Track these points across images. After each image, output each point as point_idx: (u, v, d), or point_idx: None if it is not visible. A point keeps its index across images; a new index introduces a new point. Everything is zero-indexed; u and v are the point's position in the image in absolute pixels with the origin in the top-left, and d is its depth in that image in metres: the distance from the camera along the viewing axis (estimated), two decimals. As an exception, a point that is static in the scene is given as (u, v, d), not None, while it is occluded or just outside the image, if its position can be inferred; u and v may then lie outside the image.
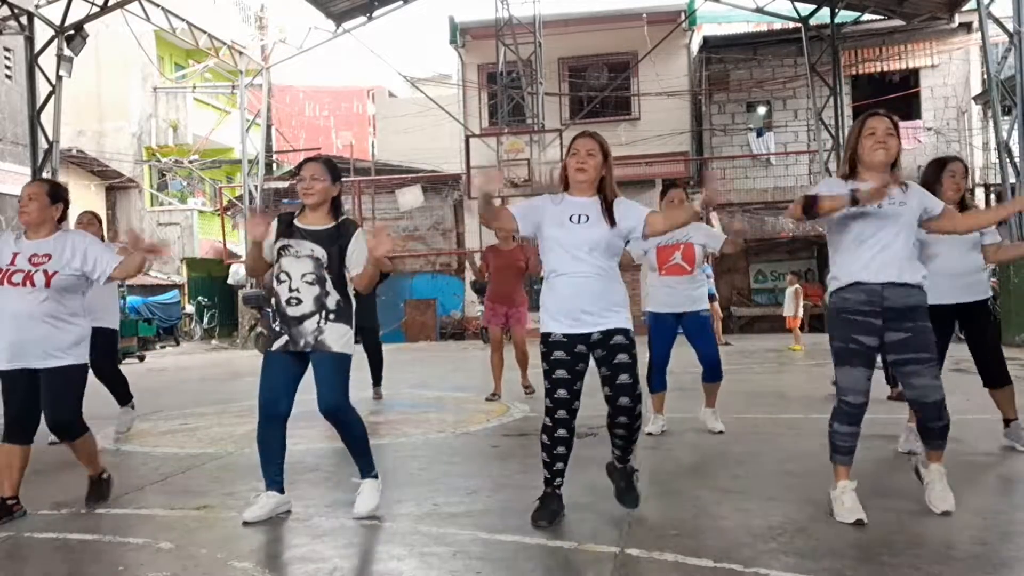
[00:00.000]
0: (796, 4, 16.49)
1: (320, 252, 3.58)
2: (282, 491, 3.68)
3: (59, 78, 13.36)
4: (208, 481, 4.49)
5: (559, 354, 3.35)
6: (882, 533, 3.14)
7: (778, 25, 18.30)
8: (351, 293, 3.70)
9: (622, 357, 3.31)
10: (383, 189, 20.25)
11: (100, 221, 6.03)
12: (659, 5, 18.58)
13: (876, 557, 2.89)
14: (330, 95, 26.59)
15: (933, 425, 3.40)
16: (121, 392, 5.99)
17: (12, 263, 3.70)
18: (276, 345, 3.61)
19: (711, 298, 7.22)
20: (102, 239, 5.55)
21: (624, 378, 3.30)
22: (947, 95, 18.40)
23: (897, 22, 16.92)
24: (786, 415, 6.24)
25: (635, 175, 17.13)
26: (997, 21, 12.39)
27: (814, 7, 16.60)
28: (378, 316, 8.07)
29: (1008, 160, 12.58)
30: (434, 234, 20.71)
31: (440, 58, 61.25)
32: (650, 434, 5.26)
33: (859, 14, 16.50)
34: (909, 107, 18.26)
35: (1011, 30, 11.89)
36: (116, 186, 23.13)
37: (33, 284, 3.66)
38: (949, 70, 18.29)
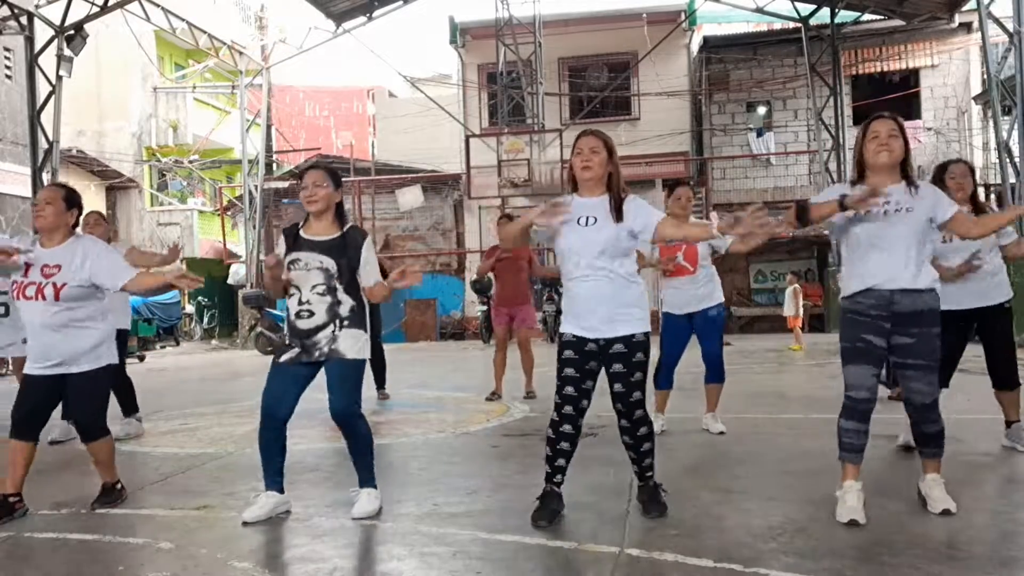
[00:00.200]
0: (796, 4, 16.50)
1: (329, 263, 3.57)
2: (282, 491, 3.69)
3: (59, 78, 13.35)
4: (208, 481, 4.49)
5: (569, 352, 3.43)
6: (882, 533, 3.14)
7: (778, 25, 18.29)
8: (364, 297, 3.69)
9: (617, 367, 3.40)
10: (383, 189, 20.26)
11: (107, 221, 6.05)
12: (659, 5, 18.57)
13: (876, 557, 2.89)
14: (330, 95, 26.58)
15: (927, 429, 3.42)
16: (126, 401, 5.98)
17: (26, 275, 3.74)
18: (285, 357, 3.60)
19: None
20: (108, 240, 5.57)
21: (617, 387, 3.41)
22: (947, 95, 18.40)
23: (897, 22, 16.92)
24: (786, 415, 6.25)
25: (635, 175, 17.10)
26: (997, 21, 12.38)
27: (814, 7, 16.61)
28: (380, 317, 8.06)
29: (1008, 160, 12.58)
30: (434, 234, 20.72)
31: (440, 58, 61.19)
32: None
33: (859, 14, 16.51)
34: (909, 107, 18.24)
35: (1011, 30, 11.88)
36: (116, 186, 23.14)
37: (44, 297, 3.70)
38: (949, 70, 18.28)
